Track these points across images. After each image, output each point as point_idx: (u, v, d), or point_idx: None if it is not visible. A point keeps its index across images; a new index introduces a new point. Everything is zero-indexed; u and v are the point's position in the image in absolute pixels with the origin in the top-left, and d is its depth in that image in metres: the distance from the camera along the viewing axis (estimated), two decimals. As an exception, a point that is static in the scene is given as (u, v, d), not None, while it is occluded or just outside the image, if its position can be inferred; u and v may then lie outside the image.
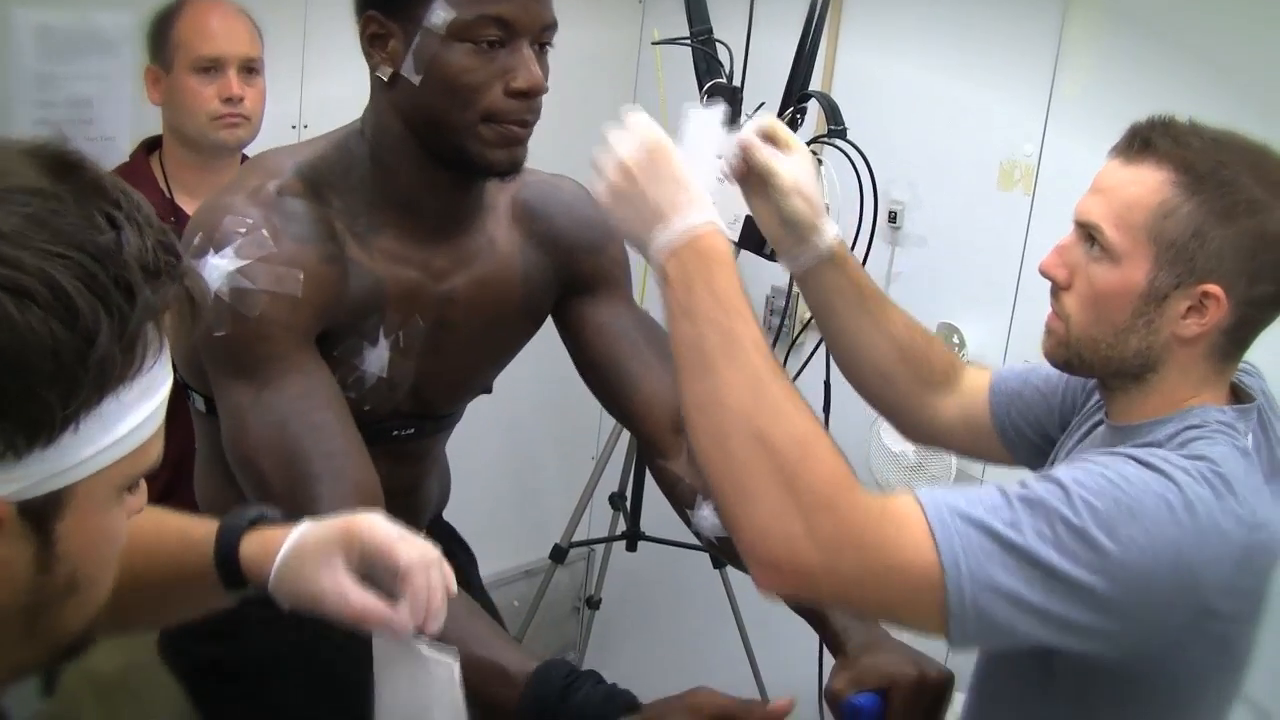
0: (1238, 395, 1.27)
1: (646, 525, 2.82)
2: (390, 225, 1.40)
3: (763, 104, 2.13)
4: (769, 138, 1.38)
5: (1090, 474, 1.11)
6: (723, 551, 1.57)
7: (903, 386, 1.49)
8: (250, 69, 2.13)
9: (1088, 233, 1.22)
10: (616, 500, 2.87)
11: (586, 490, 2.85)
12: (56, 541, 0.69)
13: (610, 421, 3.00)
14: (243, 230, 1.30)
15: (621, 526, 2.87)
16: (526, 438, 3.19)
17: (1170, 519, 1.09)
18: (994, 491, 1.11)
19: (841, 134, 2.07)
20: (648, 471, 2.68)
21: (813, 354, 2.21)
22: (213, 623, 1.13)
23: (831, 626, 1.42)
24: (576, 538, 2.86)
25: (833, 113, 2.08)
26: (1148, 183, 1.18)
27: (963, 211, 2.65)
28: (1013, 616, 1.08)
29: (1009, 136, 2.54)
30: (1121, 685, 1.20)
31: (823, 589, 1.11)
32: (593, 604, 3.06)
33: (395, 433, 1.51)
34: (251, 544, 1.03)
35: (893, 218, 2.72)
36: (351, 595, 0.97)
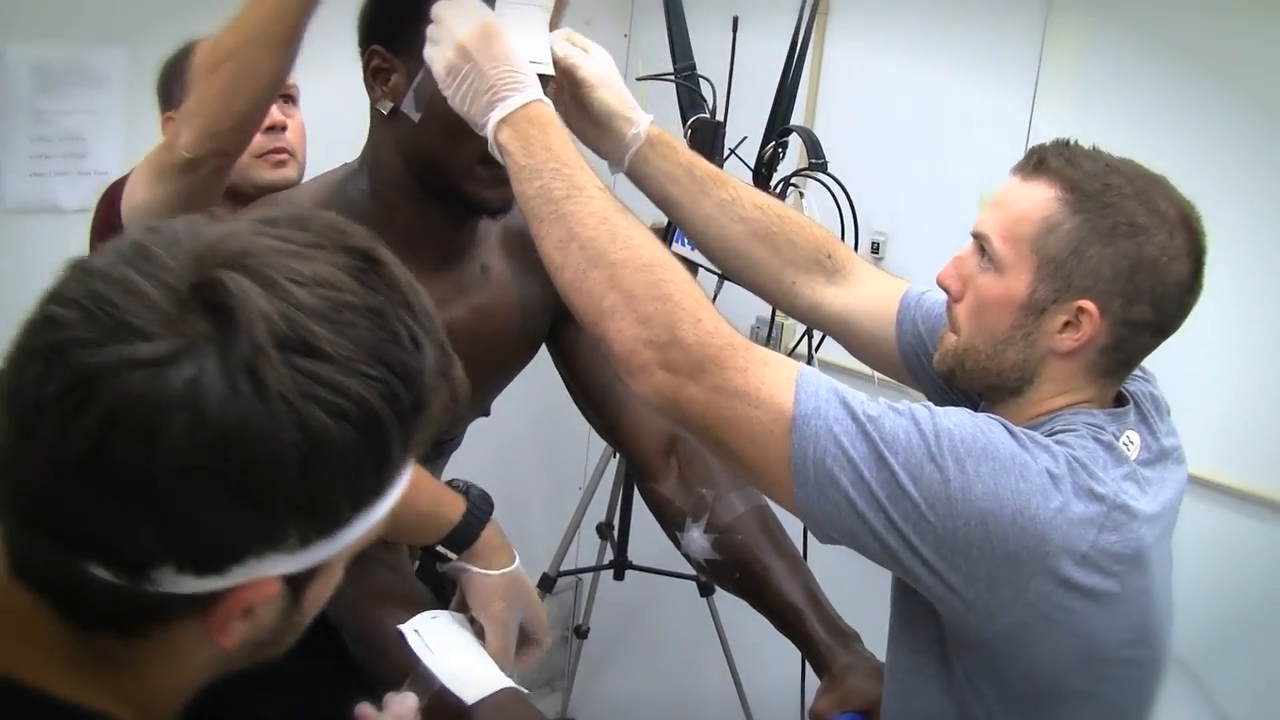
0: (1121, 403, 1.30)
1: (634, 555, 2.84)
2: None
3: (745, 138, 2.18)
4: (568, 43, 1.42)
5: (960, 414, 1.16)
6: (712, 574, 1.59)
7: (769, 269, 1.48)
8: (287, 96, 1.98)
9: (980, 244, 1.26)
10: (604, 530, 2.89)
11: (574, 520, 2.87)
12: (303, 601, 0.78)
13: (597, 452, 3.03)
14: None
15: (609, 556, 2.89)
16: (515, 468, 3.20)
17: (1020, 474, 1.12)
18: (871, 397, 1.17)
19: (822, 167, 2.11)
20: (635, 500, 2.72)
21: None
22: None
23: (816, 647, 1.45)
24: (564, 567, 2.88)
25: (813, 147, 2.12)
26: (1037, 198, 1.22)
27: (945, 241, 2.66)
28: (846, 504, 1.12)
29: (990, 167, 2.55)
30: (998, 673, 1.21)
31: (684, 407, 1.17)
32: (581, 633, 3.06)
33: None
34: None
35: (875, 248, 2.75)
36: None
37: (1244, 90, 2.18)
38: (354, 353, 0.71)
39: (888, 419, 1.13)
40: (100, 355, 0.66)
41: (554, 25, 1.37)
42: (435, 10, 1.25)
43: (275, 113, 1.91)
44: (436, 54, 1.24)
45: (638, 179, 1.46)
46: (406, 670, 1.28)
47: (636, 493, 1.66)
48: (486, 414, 1.70)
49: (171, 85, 1.93)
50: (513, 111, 1.22)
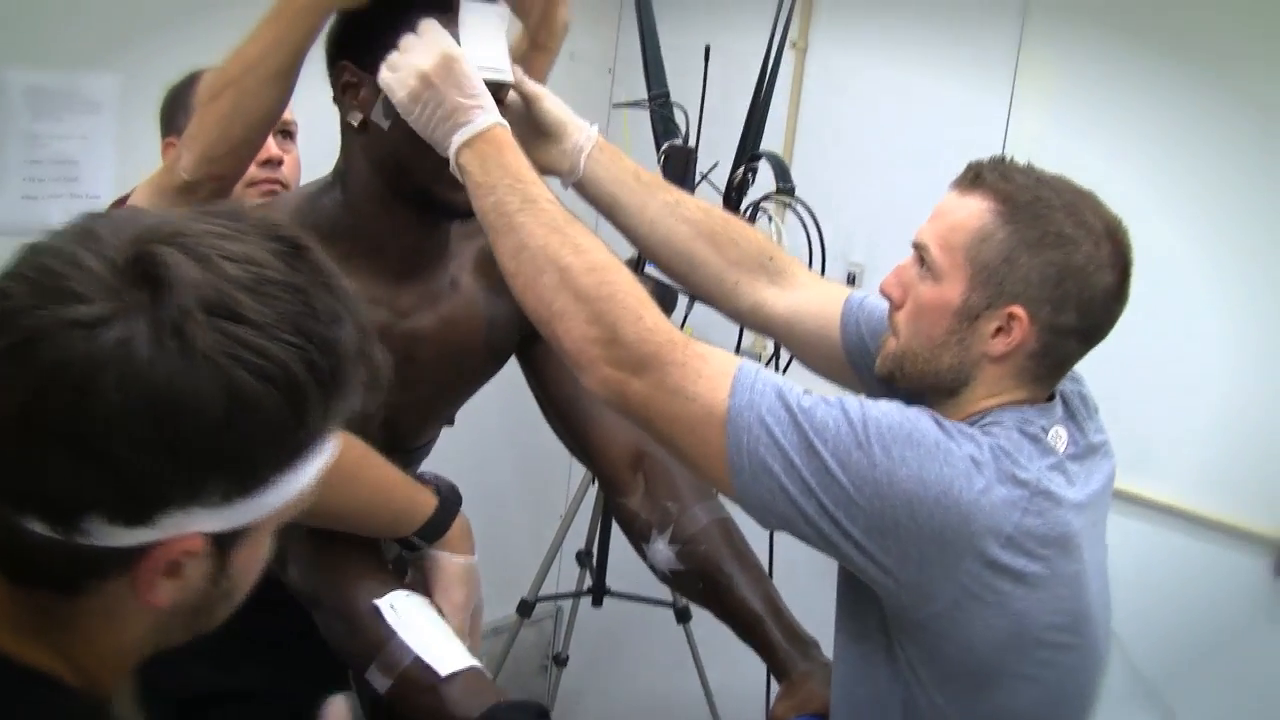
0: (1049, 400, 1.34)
1: (612, 582, 2.86)
2: (361, 269, 1.47)
3: (716, 164, 2.23)
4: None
5: (889, 405, 1.22)
6: (677, 584, 1.63)
7: (711, 269, 1.52)
8: (286, 132, 2.02)
9: (919, 254, 1.31)
10: (583, 558, 2.91)
11: (553, 547, 2.89)
12: (230, 565, 0.82)
13: (576, 479, 3.06)
14: None
15: (588, 584, 2.91)
16: (496, 495, 3.21)
17: (944, 459, 1.17)
18: (807, 390, 1.22)
19: (790, 192, 2.16)
20: (615, 528, 2.74)
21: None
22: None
23: (776, 652, 1.49)
24: (543, 593, 2.89)
25: (781, 172, 2.18)
26: (972, 210, 1.27)
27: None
28: (780, 491, 1.17)
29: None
30: (938, 655, 1.24)
31: (629, 400, 1.23)
32: (560, 662, 3.07)
33: None
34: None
35: (851, 280, 2.79)
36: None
37: (1222, 91, 2.24)
38: (277, 321, 0.76)
39: (819, 409, 1.19)
40: (41, 317, 0.71)
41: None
42: (403, 43, 1.32)
43: (272, 147, 1.95)
44: (396, 82, 1.31)
45: (585, 185, 1.51)
46: (378, 646, 1.33)
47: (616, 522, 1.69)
48: (450, 423, 1.74)
49: (174, 112, 1.98)
50: (472, 136, 1.29)
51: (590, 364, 1.23)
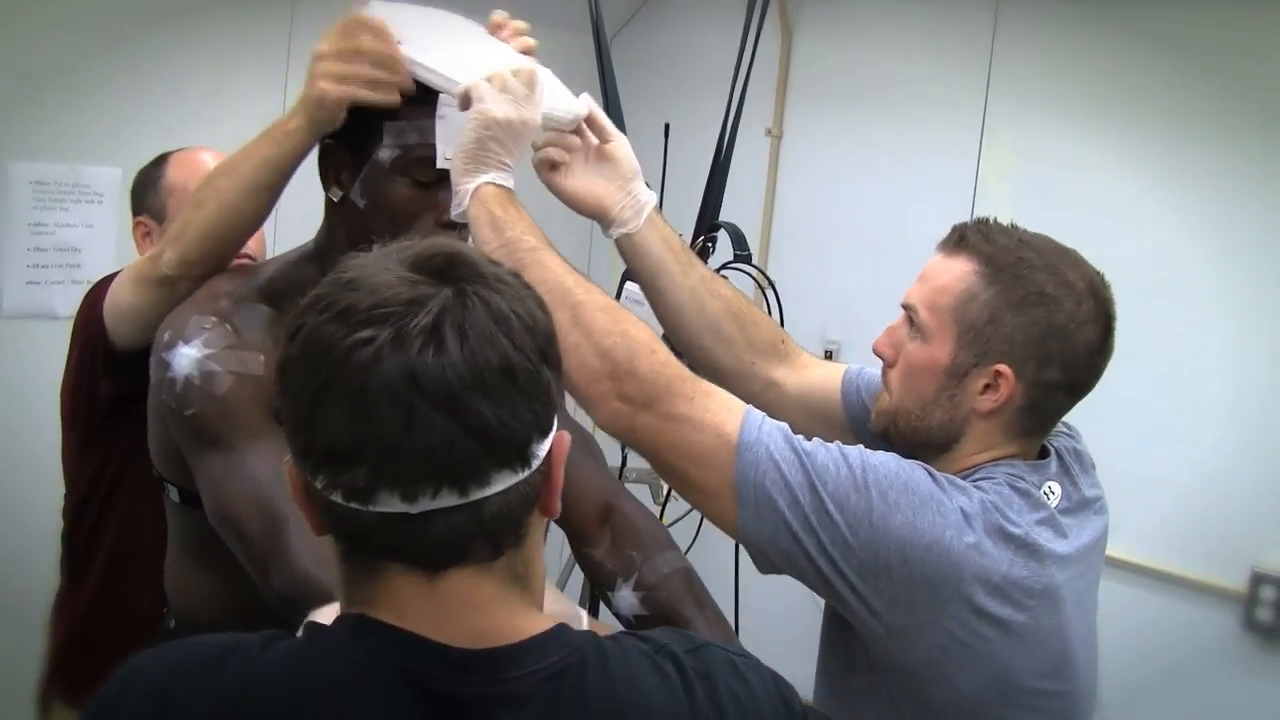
0: (1044, 456, 1.38)
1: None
2: None
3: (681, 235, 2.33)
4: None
5: (887, 456, 1.25)
6: (640, 629, 1.67)
7: (735, 348, 1.57)
8: None
9: (909, 315, 1.37)
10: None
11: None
12: None
13: (566, 554, 3.08)
14: (208, 326, 1.46)
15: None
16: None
17: (936, 509, 1.21)
18: (807, 436, 1.26)
19: (746, 259, 2.24)
20: (602, 607, 2.76)
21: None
22: None
23: None
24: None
25: (738, 240, 2.25)
26: (957, 272, 1.33)
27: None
28: (784, 525, 1.20)
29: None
30: (923, 699, 1.27)
31: (637, 433, 1.26)
32: None
33: None
34: None
35: (829, 357, 2.85)
36: None
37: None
38: None
39: (820, 453, 1.23)
40: None
41: None
42: (525, 72, 1.38)
43: None
44: (498, 108, 1.34)
45: (637, 240, 1.53)
46: None
47: (603, 604, 1.74)
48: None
49: (144, 193, 2.08)
50: (499, 182, 1.35)
51: (601, 398, 1.27)
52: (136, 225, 2.08)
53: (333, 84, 1.39)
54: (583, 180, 1.51)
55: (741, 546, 1.29)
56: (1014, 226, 1.37)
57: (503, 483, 0.84)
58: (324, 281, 0.89)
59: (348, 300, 0.84)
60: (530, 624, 0.89)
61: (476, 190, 1.34)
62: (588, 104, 1.50)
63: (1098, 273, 1.34)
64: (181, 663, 0.88)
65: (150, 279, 1.62)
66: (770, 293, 2.20)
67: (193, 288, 1.55)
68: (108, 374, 1.84)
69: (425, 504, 0.82)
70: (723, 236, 2.27)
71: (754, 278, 2.23)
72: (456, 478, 0.82)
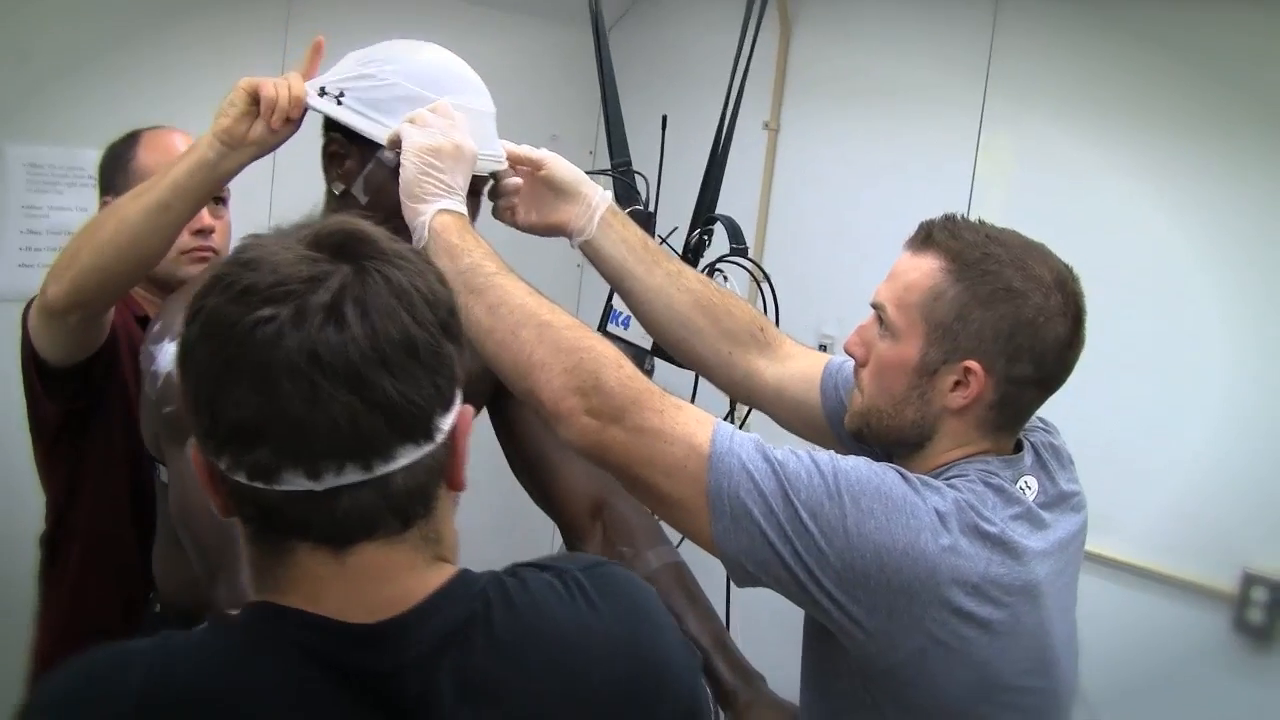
0: (1019, 451, 1.38)
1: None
2: None
3: (675, 229, 2.31)
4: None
5: (859, 460, 1.25)
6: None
7: (707, 339, 1.58)
8: (218, 199, 2.04)
9: (878, 313, 1.36)
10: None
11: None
12: None
13: (558, 548, 3.09)
14: None
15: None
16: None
17: (910, 512, 1.20)
18: (778, 445, 1.26)
19: (743, 253, 2.23)
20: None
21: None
22: None
23: (723, 685, 1.56)
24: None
25: (734, 233, 2.25)
26: (924, 269, 1.33)
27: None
28: (760, 535, 1.20)
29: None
30: (906, 702, 1.27)
31: (607, 447, 1.25)
32: None
33: None
34: None
35: (824, 350, 2.84)
36: None
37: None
38: None
39: (791, 462, 1.23)
40: None
41: None
42: (440, 106, 1.41)
43: (205, 215, 1.98)
44: (424, 138, 1.38)
45: (596, 244, 1.57)
46: None
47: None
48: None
49: (113, 172, 2.05)
50: (452, 209, 1.37)
51: (569, 414, 1.26)
52: (103, 205, 2.01)
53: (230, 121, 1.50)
54: (538, 211, 1.56)
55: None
56: (981, 223, 1.36)
57: (407, 457, 0.85)
58: (224, 261, 0.89)
59: (248, 280, 0.84)
60: (436, 577, 0.90)
61: (430, 222, 1.36)
62: (501, 146, 1.54)
63: (1066, 266, 1.33)
64: (90, 672, 0.87)
65: (42, 311, 1.61)
66: (766, 286, 2.19)
67: (84, 320, 1.57)
68: (46, 393, 1.82)
69: (330, 480, 0.83)
70: (719, 229, 2.27)
71: (750, 271, 2.22)
72: (360, 453, 0.82)
